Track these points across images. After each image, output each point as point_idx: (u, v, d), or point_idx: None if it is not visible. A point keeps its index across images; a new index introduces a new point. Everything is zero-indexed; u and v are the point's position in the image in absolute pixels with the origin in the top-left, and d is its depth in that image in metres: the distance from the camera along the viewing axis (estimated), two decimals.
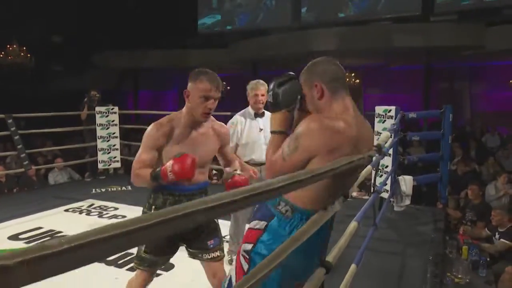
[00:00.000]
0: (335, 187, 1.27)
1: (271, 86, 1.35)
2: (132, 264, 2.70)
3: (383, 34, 9.83)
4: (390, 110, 3.94)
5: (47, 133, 7.92)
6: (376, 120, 4.01)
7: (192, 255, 1.96)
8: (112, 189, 5.45)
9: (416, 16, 10.05)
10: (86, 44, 14.05)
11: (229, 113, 6.69)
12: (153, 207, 1.86)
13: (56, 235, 3.56)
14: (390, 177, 3.58)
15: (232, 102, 17.11)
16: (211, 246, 1.91)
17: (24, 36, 11.89)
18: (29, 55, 11.92)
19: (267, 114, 2.86)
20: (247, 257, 1.34)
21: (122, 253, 3.22)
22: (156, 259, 1.89)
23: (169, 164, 1.65)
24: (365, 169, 2.12)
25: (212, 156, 1.96)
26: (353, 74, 13.08)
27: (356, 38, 9.98)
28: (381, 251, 3.24)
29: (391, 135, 3.67)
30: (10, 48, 11.66)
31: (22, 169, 5.38)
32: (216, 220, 1.98)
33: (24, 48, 11.84)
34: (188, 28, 13.84)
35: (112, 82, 14.95)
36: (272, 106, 1.36)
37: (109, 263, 3.10)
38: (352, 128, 1.27)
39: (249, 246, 1.34)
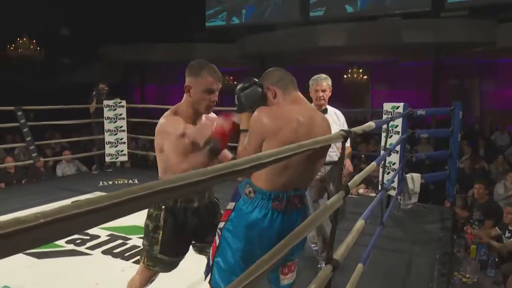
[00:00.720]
0: (292, 171, 1.49)
1: (236, 90, 1.57)
2: (138, 257, 2.72)
3: (392, 30, 9.73)
4: (398, 107, 3.90)
5: (56, 126, 7.97)
6: (384, 117, 3.97)
7: (199, 250, 1.96)
8: (119, 182, 5.48)
9: (426, 12, 9.93)
10: (93, 37, 14.09)
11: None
12: (163, 207, 1.80)
13: None
14: (397, 175, 3.55)
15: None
16: None
17: (33, 29, 11.96)
18: (38, 48, 11.97)
19: (331, 110, 2.74)
20: (219, 233, 1.56)
21: (128, 246, 3.25)
22: (173, 260, 1.86)
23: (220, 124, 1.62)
24: (370, 165, 2.10)
25: None
26: (360, 70, 12.99)
27: (365, 33, 9.88)
28: (388, 249, 3.22)
29: (383, 129, 3.63)
30: (20, 41, 11.71)
31: (31, 161, 5.42)
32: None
33: (34, 41, 11.88)
34: (195, 22, 13.81)
35: (119, 76, 14.99)
36: (237, 108, 1.58)
37: (115, 255, 3.12)
38: (295, 114, 1.51)
39: (221, 224, 1.56)
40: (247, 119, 1.55)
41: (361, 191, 5.06)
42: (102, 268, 2.90)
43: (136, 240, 3.32)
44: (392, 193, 3.68)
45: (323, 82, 2.65)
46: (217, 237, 1.57)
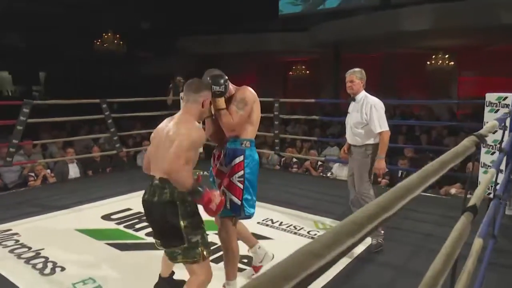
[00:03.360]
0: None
1: (220, 81, 2.23)
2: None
3: (487, 9, 8.67)
4: (505, 98, 3.37)
5: (136, 117, 8.30)
6: (487, 109, 3.46)
7: None
8: (196, 172, 5.52)
9: None
10: (170, 30, 14.52)
11: (313, 100, 6.46)
12: (192, 199, 2.00)
13: (143, 217, 3.66)
14: (507, 177, 3.06)
15: (312, 86, 16.66)
16: None
17: (117, 24, 12.63)
18: (121, 42, 12.64)
19: (359, 98, 3.17)
20: (242, 179, 2.28)
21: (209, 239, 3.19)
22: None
23: (216, 197, 1.99)
24: (489, 172, 1.75)
25: None
26: (446, 56, 11.90)
27: (454, 15, 8.93)
28: (499, 265, 2.77)
29: (500, 126, 3.15)
30: (106, 36, 12.45)
31: (114, 151, 5.66)
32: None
33: (118, 35, 12.56)
34: (268, 11, 13.62)
35: (194, 68, 15.35)
36: (219, 94, 2.24)
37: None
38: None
39: (240, 173, 2.28)
40: (223, 101, 2.28)
41: (453, 191, 4.54)
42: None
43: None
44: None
45: (351, 75, 3.17)
46: (239, 183, 2.27)
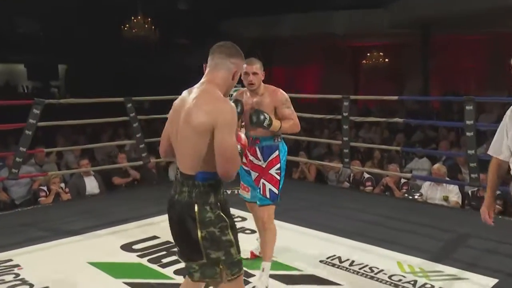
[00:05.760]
0: None
1: (259, 115, 2.94)
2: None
3: None
4: None
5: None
6: None
7: None
8: (237, 191, 5.37)
9: None
10: (213, 11, 14.67)
11: (396, 97, 6.09)
12: (219, 204, 2.00)
13: (172, 249, 3.58)
14: None
15: (393, 79, 16.15)
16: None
17: (146, 5, 12.94)
18: (153, 27, 12.96)
19: None
20: (279, 171, 3.12)
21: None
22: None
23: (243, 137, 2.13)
24: None
25: None
26: None
27: None
28: None
29: None
30: (135, 20, 12.82)
31: (141, 162, 5.69)
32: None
33: (149, 19, 12.89)
34: None
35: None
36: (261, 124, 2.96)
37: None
38: None
39: (278, 165, 3.11)
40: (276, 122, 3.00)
41: None
42: None
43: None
44: None
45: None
46: (276, 175, 3.10)
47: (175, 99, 2.08)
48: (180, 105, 2.01)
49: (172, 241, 2.08)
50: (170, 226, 2.09)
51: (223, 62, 2.00)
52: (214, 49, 2.06)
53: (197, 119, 1.89)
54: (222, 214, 1.98)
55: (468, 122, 4.37)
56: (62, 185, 5.66)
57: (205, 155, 1.92)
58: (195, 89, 2.01)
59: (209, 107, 1.89)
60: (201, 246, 1.92)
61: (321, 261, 3.49)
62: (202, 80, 2.04)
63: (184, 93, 2.07)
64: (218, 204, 1.99)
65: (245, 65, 2.81)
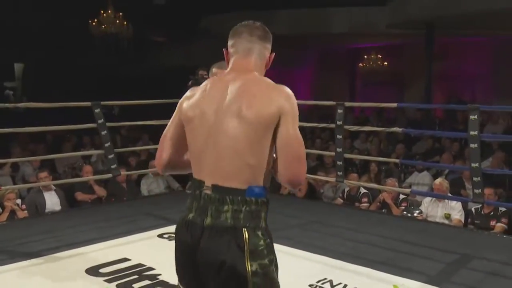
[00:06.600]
0: None
1: None
2: None
3: None
4: None
5: (144, 125, 8.38)
6: None
7: None
8: None
9: None
10: (194, 6, 14.71)
11: (395, 105, 6.17)
12: (268, 230, 1.80)
13: (145, 272, 3.59)
14: None
15: (393, 84, 16.29)
16: None
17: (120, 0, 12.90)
18: (125, 22, 12.93)
19: None
20: None
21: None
22: None
23: None
24: None
25: None
26: None
27: None
28: None
29: None
30: (104, 15, 12.79)
31: (110, 175, 5.69)
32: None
33: (120, 14, 12.87)
34: None
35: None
36: None
37: None
38: None
39: None
40: None
41: None
42: None
43: None
44: None
45: None
46: None
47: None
48: (206, 101, 1.79)
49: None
50: (188, 266, 1.80)
51: (258, 46, 1.87)
52: (239, 30, 1.90)
53: (262, 109, 1.69)
54: (272, 244, 1.77)
55: (472, 133, 4.46)
56: (18, 201, 5.61)
57: (263, 161, 1.72)
58: (231, 81, 1.80)
59: (273, 93, 1.73)
60: (249, 283, 1.67)
61: (310, 285, 3.52)
62: (232, 67, 1.89)
63: (201, 88, 1.86)
64: (268, 229, 1.77)
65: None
